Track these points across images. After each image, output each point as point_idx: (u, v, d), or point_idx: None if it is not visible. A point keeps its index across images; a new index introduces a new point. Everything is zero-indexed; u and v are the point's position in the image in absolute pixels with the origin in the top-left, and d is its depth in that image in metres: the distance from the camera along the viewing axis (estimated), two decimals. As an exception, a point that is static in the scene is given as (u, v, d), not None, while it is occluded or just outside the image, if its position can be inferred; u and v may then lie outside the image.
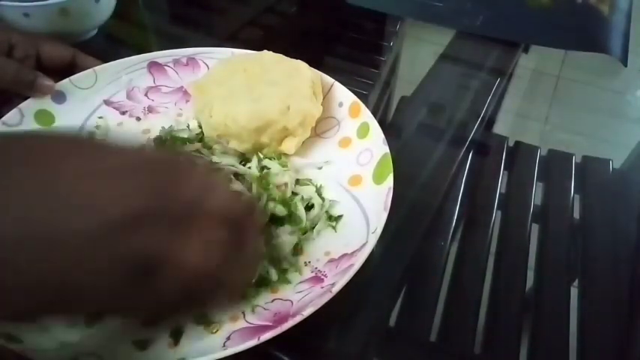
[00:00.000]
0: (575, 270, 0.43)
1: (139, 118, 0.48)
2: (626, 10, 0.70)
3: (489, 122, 0.55)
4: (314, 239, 0.39)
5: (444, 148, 0.51)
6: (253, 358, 0.32)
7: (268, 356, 0.34)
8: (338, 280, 0.32)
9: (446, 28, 0.66)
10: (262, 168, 0.42)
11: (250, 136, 0.42)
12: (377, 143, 0.41)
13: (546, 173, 0.51)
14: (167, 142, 0.43)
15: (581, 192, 0.49)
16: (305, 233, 0.39)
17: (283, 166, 0.42)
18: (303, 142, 0.44)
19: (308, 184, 0.42)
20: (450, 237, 0.43)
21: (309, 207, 0.40)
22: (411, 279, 0.41)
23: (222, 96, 0.43)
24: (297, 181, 0.42)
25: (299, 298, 0.34)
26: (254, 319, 0.33)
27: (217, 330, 0.33)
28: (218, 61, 0.48)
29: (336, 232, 0.39)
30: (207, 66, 0.49)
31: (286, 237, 0.38)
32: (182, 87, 0.49)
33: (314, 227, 0.39)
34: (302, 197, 0.41)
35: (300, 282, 0.36)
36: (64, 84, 0.45)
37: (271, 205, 0.39)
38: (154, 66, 0.49)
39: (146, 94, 0.49)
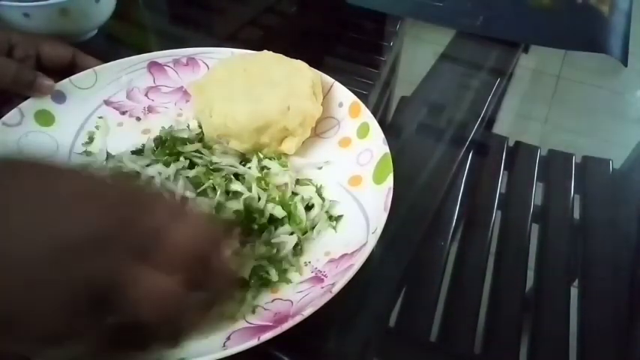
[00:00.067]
0: (575, 270, 0.43)
1: (139, 118, 0.48)
2: (626, 11, 0.70)
3: (489, 122, 0.55)
4: (314, 239, 0.39)
5: (444, 148, 0.51)
6: (253, 358, 0.32)
7: (268, 356, 0.34)
8: (338, 280, 0.32)
9: (446, 28, 0.66)
10: (262, 168, 0.42)
11: (250, 136, 0.42)
12: (377, 143, 0.41)
13: (546, 173, 0.51)
14: (167, 142, 0.43)
15: (581, 192, 0.49)
16: (305, 233, 0.39)
17: (283, 166, 0.42)
18: (303, 142, 0.44)
19: (308, 184, 0.42)
20: (450, 237, 0.43)
21: (309, 207, 0.40)
22: (411, 279, 0.41)
23: (222, 96, 0.43)
24: (297, 181, 0.42)
25: (299, 298, 0.34)
26: (254, 319, 0.33)
27: None
28: (218, 61, 0.48)
29: (336, 232, 0.39)
30: (207, 66, 0.49)
31: (286, 237, 0.38)
32: (182, 87, 0.49)
33: (314, 227, 0.40)
34: (302, 197, 0.41)
35: (300, 282, 0.36)
36: (64, 84, 0.45)
37: (271, 205, 0.39)
38: (154, 66, 0.49)
39: (146, 94, 0.49)
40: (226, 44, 0.50)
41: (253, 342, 0.29)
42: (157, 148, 0.43)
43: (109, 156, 0.44)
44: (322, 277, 0.36)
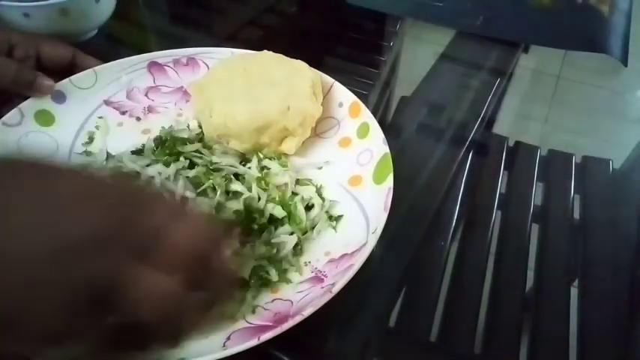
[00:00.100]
0: (575, 270, 0.43)
1: (139, 118, 0.48)
2: (626, 11, 0.70)
3: (489, 122, 0.55)
4: (314, 239, 0.39)
5: (444, 148, 0.51)
6: (253, 358, 0.32)
7: (268, 356, 0.34)
8: (338, 280, 0.32)
9: (446, 28, 0.66)
10: (262, 168, 0.42)
11: (250, 136, 0.42)
12: (377, 143, 0.41)
13: (546, 173, 0.51)
14: (167, 142, 0.43)
15: (581, 192, 0.49)
16: (305, 233, 0.39)
17: (283, 166, 0.42)
18: (303, 142, 0.44)
19: (308, 184, 0.42)
20: (450, 237, 0.43)
21: (309, 207, 0.40)
22: (411, 279, 0.41)
23: (222, 96, 0.43)
24: (297, 181, 0.42)
25: (299, 298, 0.34)
26: (254, 319, 0.33)
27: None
28: (218, 61, 0.48)
29: (336, 232, 0.39)
30: (207, 66, 0.49)
31: (286, 237, 0.38)
32: (182, 87, 0.49)
33: (314, 227, 0.40)
34: (302, 197, 0.41)
35: (300, 282, 0.36)
36: (64, 84, 0.45)
37: (271, 205, 0.39)
38: (154, 66, 0.49)
39: (146, 94, 0.49)
40: (226, 44, 0.50)
41: (253, 342, 0.29)
42: (157, 148, 0.43)
43: (109, 156, 0.44)
44: (322, 277, 0.36)
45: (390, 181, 0.38)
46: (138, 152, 0.44)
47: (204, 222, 0.26)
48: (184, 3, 0.71)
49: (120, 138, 0.45)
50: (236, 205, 0.38)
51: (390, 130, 0.49)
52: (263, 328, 0.31)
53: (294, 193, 0.41)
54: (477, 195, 0.48)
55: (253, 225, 0.38)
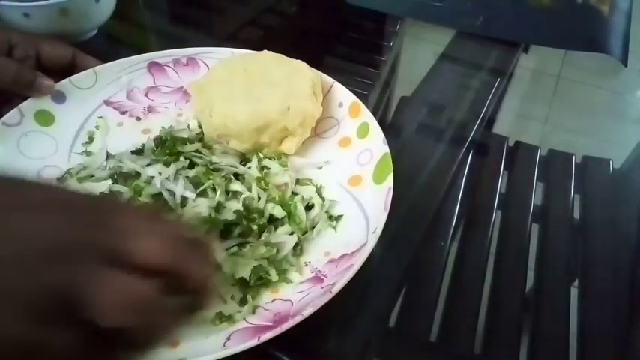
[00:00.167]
0: (575, 270, 0.43)
1: (139, 118, 0.48)
2: (626, 11, 0.70)
3: (489, 122, 0.55)
4: (314, 239, 0.39)
5: (444, 148, 0.51)
6: (253, 358, 0.32)
7: (268, 356, 0.34)
8: (338, 280, 0.32)
9: (446, 28, 0.66)
10: (262, 168, 0.42)
11: (250, 136, 0.42)
12: (377, 143, 0.41)
13: (546, 173, 0.51)
14: (167, 142, 0.43)
15: (581, 192, 0.49)
16: (305, 233, 0.39)
17: (283, 166, 0.42)
18: (303, 142, 0.44)
19: (308, 184, 0.42)
20: (450, 237, 0.43)
21: (309, 207, 0.40)
22: (411, 279, 0.41)
23: (222, 96, 0.43)
24: (297, 181, 0.42)
25: (299, 298, 0.34)
26: (254, 319, 0.33)
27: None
28: (218, 61, 0.48)
29: (336, 232, 0.39)
30: (207, 66, 0.49)
31: (286, 237, 0.38)
32: (182, 87, 0.49)
33: (314, 227, 0.40)
34: (302, 197, 0.41)
35: (300, 282, 0.36)
36: (64, 84, 0.45)
37: (270, 205, 0.39)
38: (153, 66, 0.49)
39: (146, 94, 0.49)
40: (226, 44, 0.50)
41: (253, 342, 0.29)
42: (157, 148, 0.43)
43: (109, 156, 0.44)
44: (322, 277, 0.36)
45: (390, 181, 0.38)
46: (138, 152, 0.44)
47: (176, 226, 0.26)
48: (184, 3, 0.71)
49: (120, 138, 0.46)
50: (236, 205, 0.38)
51: (390, 130, 0.49)
52: (263, 328, 0.31)
53: (294, 193, 0.41)
54: (477, 195, 0.48)
55: (253, 225, 0.38)
